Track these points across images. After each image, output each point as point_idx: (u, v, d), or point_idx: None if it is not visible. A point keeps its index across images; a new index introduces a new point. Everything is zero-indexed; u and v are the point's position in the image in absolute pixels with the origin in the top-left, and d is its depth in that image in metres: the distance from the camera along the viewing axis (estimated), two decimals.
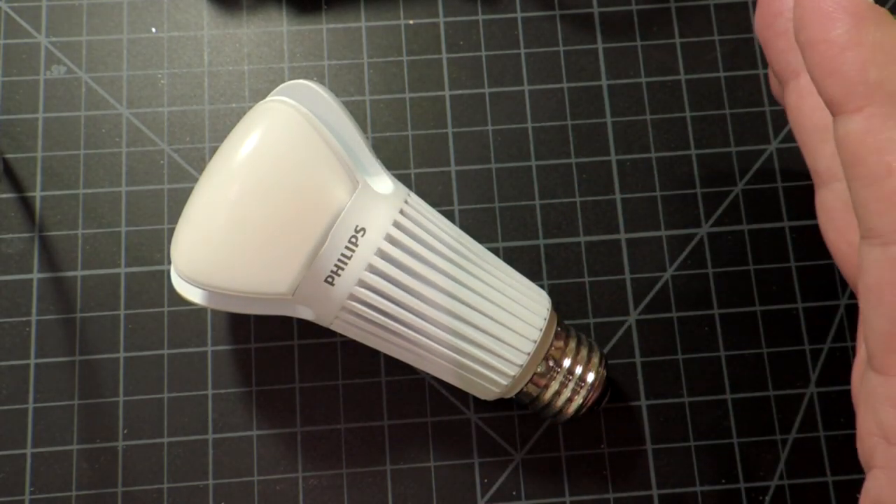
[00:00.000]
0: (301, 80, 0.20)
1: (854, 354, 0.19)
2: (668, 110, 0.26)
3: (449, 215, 0.25)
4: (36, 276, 0.24)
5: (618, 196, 0.25)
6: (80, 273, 0.24)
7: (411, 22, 0.26)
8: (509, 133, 0.25)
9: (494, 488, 0.23)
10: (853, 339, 0.24)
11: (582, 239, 0.25)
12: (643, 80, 0.26)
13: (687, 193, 0.25)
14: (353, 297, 0.19)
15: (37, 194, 0.24)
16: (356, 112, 0.25)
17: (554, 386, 0.21)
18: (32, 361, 0.23)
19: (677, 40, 0.26)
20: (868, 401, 0.15)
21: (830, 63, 0.14)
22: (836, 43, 0.14)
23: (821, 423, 0.23)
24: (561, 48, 0.26)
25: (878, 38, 0.14)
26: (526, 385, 0.21)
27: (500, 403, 0.23)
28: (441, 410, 0.23)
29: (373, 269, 0.19)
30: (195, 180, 0.24)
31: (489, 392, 0.21)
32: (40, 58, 0.25)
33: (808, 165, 0.18)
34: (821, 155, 0.18)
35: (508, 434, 0.23)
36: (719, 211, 0.25)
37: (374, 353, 0.24)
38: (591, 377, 0.21)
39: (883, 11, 0.14)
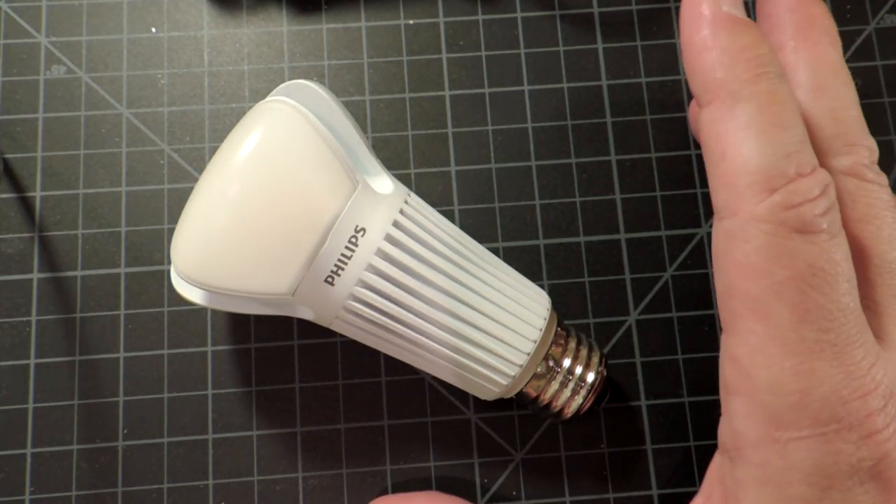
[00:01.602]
0: (301, 80, 0.20)
1: None
2: (668, 110, 0.26)
3: (449, 215, 0.25)
4: (36, 276, 0.24)
5: (618, 196, 0.25)
6: (80, 273, 0.24)
7: (411, 22, 0.26)
8: (509, 133, 0.25)
9: (494, 488, 0.23)
10: None
11: (582, 239, 0.25)
12: (643, 80, 0.26)
13: (687, 193, 0.25)
14: (353, 298, 0.19)
15: (37, 194, 0.24)
16: (356, 112, 0.25)
17: (554, 386, 0.21)
18: (32, 361, 0.23)
19: (677, 40, 0.26)
20: (720, 359, 0.17)
21: (692, 63, 0.16)
22: (696, 46, 0.16)
23: None
24: (561, 48, 0.26)
25: (727, 42, 0.16)
26: (526, 385, 0.21)
27: (500, 403, 0.23)
28: (441, 410, 0.23)
29: (373, 269, 0.19)
30: (195, 180, 0.24)
31: (489, 392, 0.21)
32: (40, 58, 0.25)
33: None
34: None
35: (508, 434, 0.23)
36: None
37: (374, 353, 0.24)
38: (591, 377, 0.21)
39: (740, 20, 0.16)
